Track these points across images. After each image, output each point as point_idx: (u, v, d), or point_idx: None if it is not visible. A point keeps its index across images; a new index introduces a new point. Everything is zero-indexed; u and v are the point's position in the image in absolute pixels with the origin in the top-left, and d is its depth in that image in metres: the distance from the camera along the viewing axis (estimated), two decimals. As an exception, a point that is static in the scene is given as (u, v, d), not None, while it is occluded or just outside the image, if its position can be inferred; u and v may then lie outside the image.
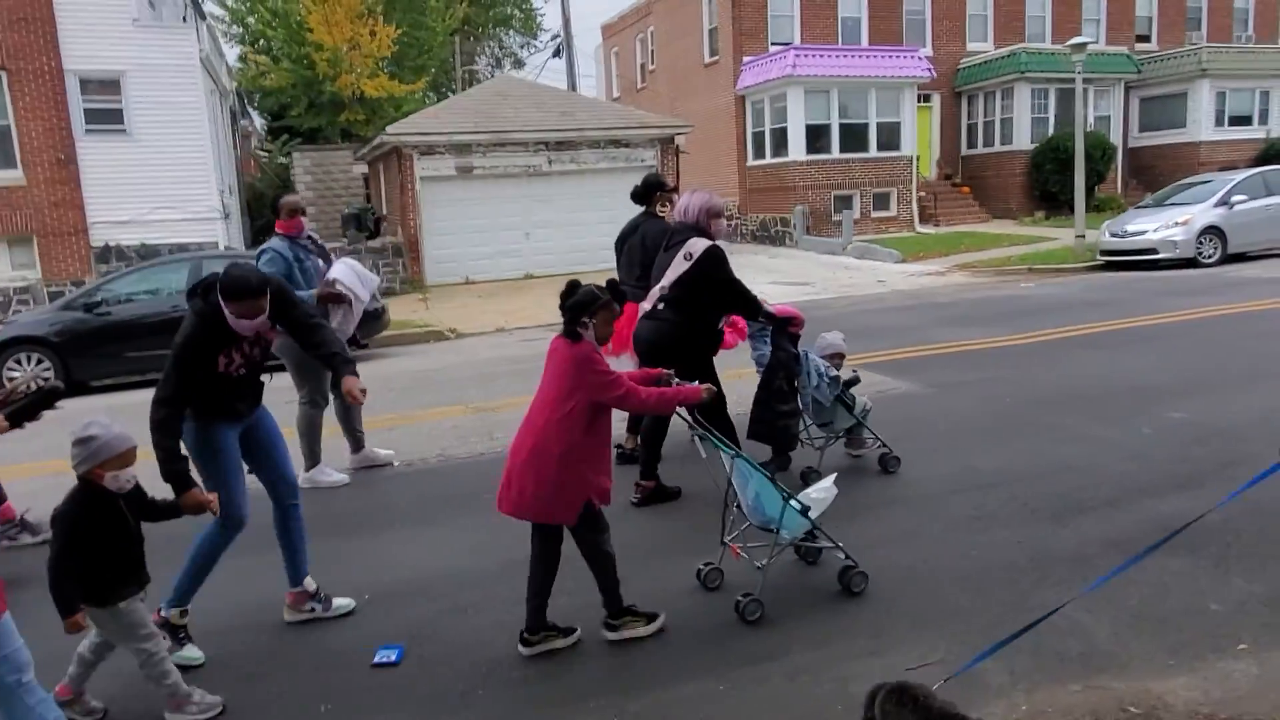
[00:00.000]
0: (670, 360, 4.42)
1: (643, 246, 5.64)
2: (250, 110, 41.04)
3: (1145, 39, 29.09)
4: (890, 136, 23.73)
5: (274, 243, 5.81)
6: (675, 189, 5.44)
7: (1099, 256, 16.52)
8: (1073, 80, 25.20)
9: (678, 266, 4.65)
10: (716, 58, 25.69)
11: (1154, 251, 15.57)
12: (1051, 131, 25.10)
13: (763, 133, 24.11)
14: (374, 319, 10.82)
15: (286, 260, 5.71)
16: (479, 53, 57.13)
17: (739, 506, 3.88)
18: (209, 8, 40.07)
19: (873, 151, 23.54)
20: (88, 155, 15.32)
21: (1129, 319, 10.18)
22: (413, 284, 17.76)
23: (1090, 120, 25.64)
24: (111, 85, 15.34)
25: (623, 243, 6.11)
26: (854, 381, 5.34)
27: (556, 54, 31.66)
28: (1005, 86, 25.26)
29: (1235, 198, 15.62)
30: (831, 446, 5.47)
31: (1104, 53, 25.85)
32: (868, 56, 23.18)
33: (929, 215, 25.19)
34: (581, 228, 18.82)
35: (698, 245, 4.63)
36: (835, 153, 23.17)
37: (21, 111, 14.89)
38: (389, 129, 17.74)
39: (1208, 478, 4.99)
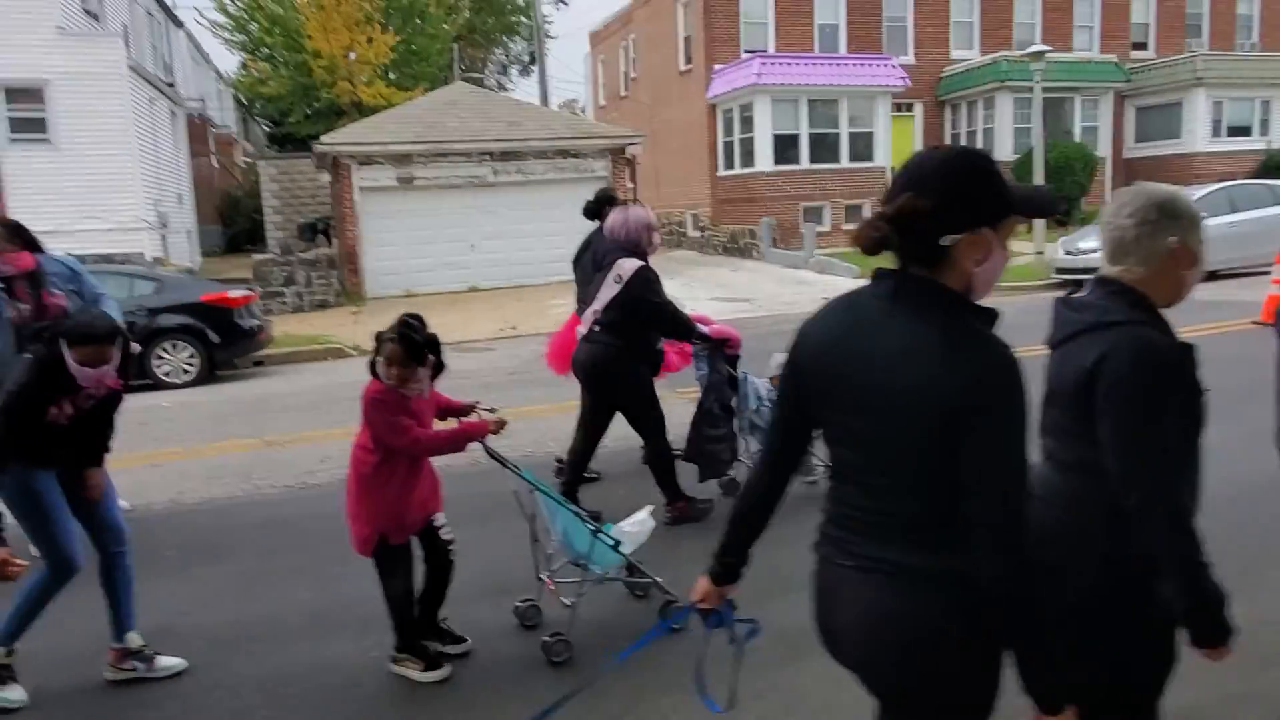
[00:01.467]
0: (607, 383, 4.63)
1: (594, 264, 5.33)
2: (255, 118, 41.28)
3: (1142, 46, 28.15)
4: (864, 147, 23.08)
5: None
6: (628, 202, 5.34)
7: (1054, 274, 15.78)
8: (1059, 89, 24.56)
9: (608, 289, 4.56)
10: (690, 66, 25.21)
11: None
12: (1035, 142, 24.25)
13: (732, 142, 23.57)
14: (246, 337, 10.43)
15: None
16: (485, 60, 57.11)
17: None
18: (213, 15, 40.32)
19: (845, 162, 22.90)
20: (10, 165, 15.18)
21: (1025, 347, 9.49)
22: (350, 296, 17.44)
23: (1077, 130, 24.83)
24: (35, 94, 15.20)
25: (579, 260, 5.85)
26: None
27: (531, 62, 31.25)
28: (987, 96, 24.50)
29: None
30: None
31: (1091, 60, 24.99)
32: (839, 65, 22.57)
33: (906, 228, 24.45)
34: (529, 240, 18.40)
35: (627, 267, 4.52)
36: (805, 163, 22.56)
37: (-60, 120, 14.81)
38: (324, 138, 17.47)
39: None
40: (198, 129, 24.34)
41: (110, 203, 15.31)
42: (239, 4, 39.11)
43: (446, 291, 18.27)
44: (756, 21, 24.14)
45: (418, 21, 42.98)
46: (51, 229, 14.61)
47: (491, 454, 3.64)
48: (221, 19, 38.34)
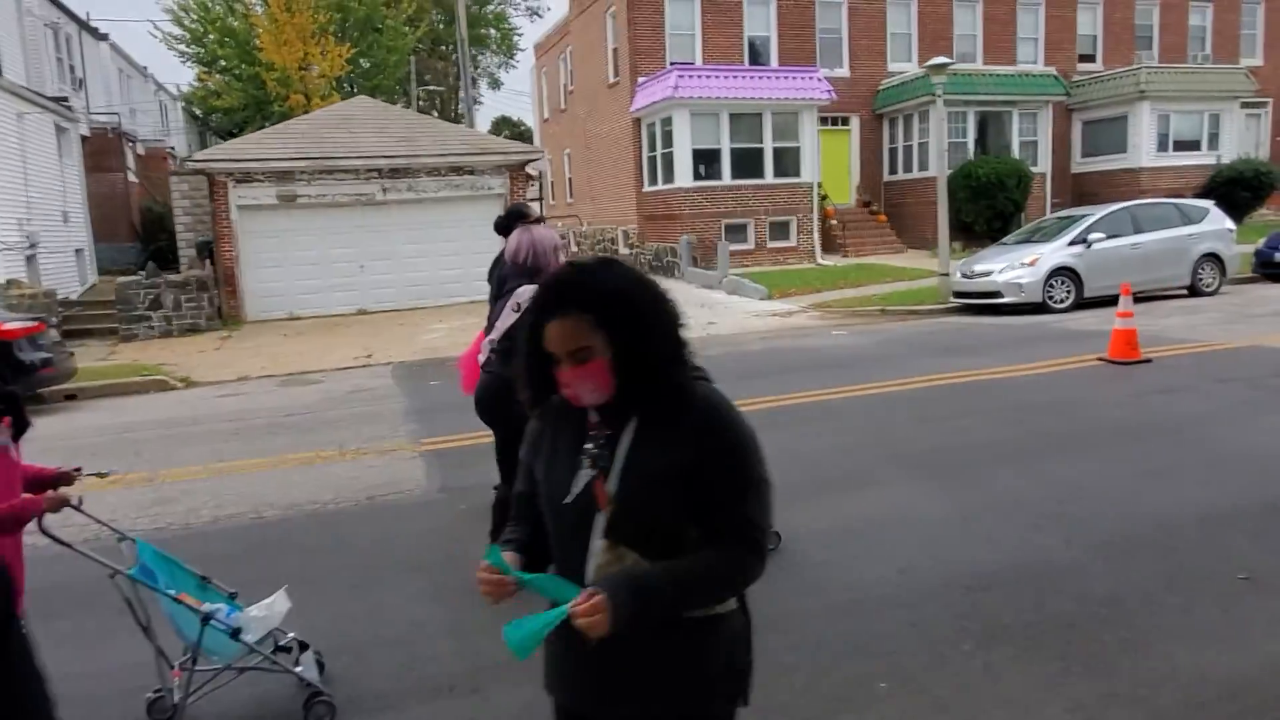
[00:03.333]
0: (501, 417, 4.30)
1: (497, 289, 4.96)
2: (211, 132, 40.66)
3: (1090, 59, 27.44)
4: (790, 162, 22.34)
5: None
6: (540, 219, 4.96)
7: (952, 298, 15.01)
8: (995, 103, 23.83)
9: (506, 318, 4.27)
10: (618, 79, 24.52)
11: (999, 295, 14.04)
12: (971, 156, 23.53)
13: (655, 157, 22.86)
14: (24, 372, 9.67)
15: None
16: (447, 72, 56.58)
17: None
18: (168, 27, 39.85)
19: (769, 178, 22.16)
20: None
21: (876, 383, 8.70)
22: (229, 320, 16.70)
23: (1015, 144, 24.09)
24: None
25: (491, 275, 5.37)
26: None
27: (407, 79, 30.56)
28: (921, 109, 23.75)
29: (1094, 235, 14.03)
30: None
31: (1028, 74, 24.25)
32: (761, 78, 21.85)
33: (838, 245, 23.72)
34: (422, 260, 17.66)
35: (525, 294, 4.05)
36: (727, 179, 21.82)
37: None
38: (197, 155, 16.76)
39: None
40: (108, 143, 23.64)
41: (-39, 223, 14.61)
42: (194, 17, 38.69)
43: (333, 314, 17.54)
44: (683, 33, 23.46)
45: (376, 33, 42.51)
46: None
47: (50, 536, 2.95)
48: (178, 31, 37.99)
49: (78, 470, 3.11)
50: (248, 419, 8.85)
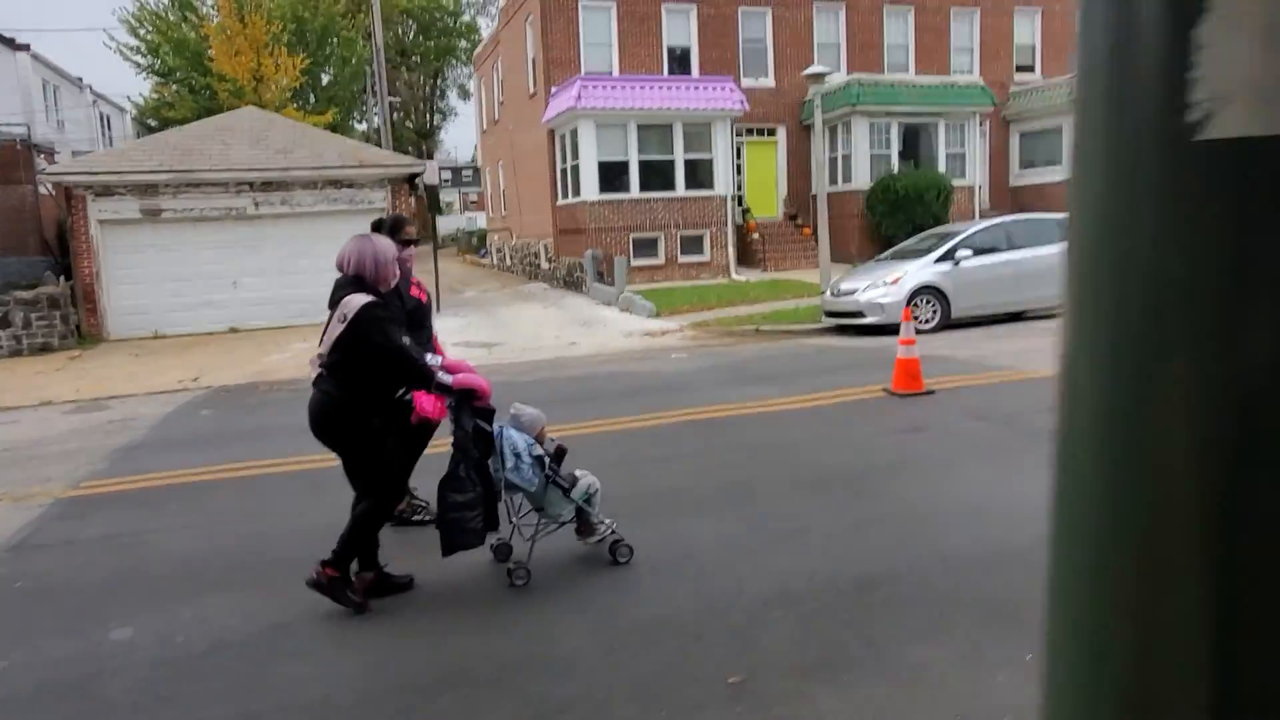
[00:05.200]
0: (335, 437, 4.20)
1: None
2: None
3: (1028, 69, 26.80)
4: (703, 174, 21.72)
5: None
6: (416, 240, 5.05)
7: (824, 317, 14.35)
8: (920, 114, 23.18)
9: (334, 328, 4.12)
10: (535, 90, 23.98)
11: (861, 315, 13.36)
12: (895, 168, 22.89)
13: (567, 170, 22.28)
14: None
15: None
16: (415, 84, 56.27)
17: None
18: (123, 37, 39.58)
19: (680, 190, 21.54)
20: None
21: (650, 414, 8.04)
22: (86, 338, 16.13)
23: (941, 157, 23.43)
24: None
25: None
26: (561, 454, 4.62)
27: (365, 90, 30.17)
28: (844, 120, 23.13)
29: (962, 253, 13.35)
30: (554, 533, 4.64)
31: (954, 84, 23.60)
32: (672, 87, 21.26)
33: (758, 259, 23.09)
34: (299, 276, 17.07)
35: (353, 304, 4.08)
36: (635, 192, 21.20)
37: None
38: (51, 167, 16.24)
39: None
40: (15, 155, 23.17)
41: None
42: (148, 29, 38.42)
43: (204, 332, 16.97)
44: (598, 43, 22.92)
45: (333, 43, 42.18)
46: None
47: None
48: (132, 40, 37.73)
49: None
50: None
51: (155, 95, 40.12)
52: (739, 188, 24.58)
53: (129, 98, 41.69)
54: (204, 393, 11.89)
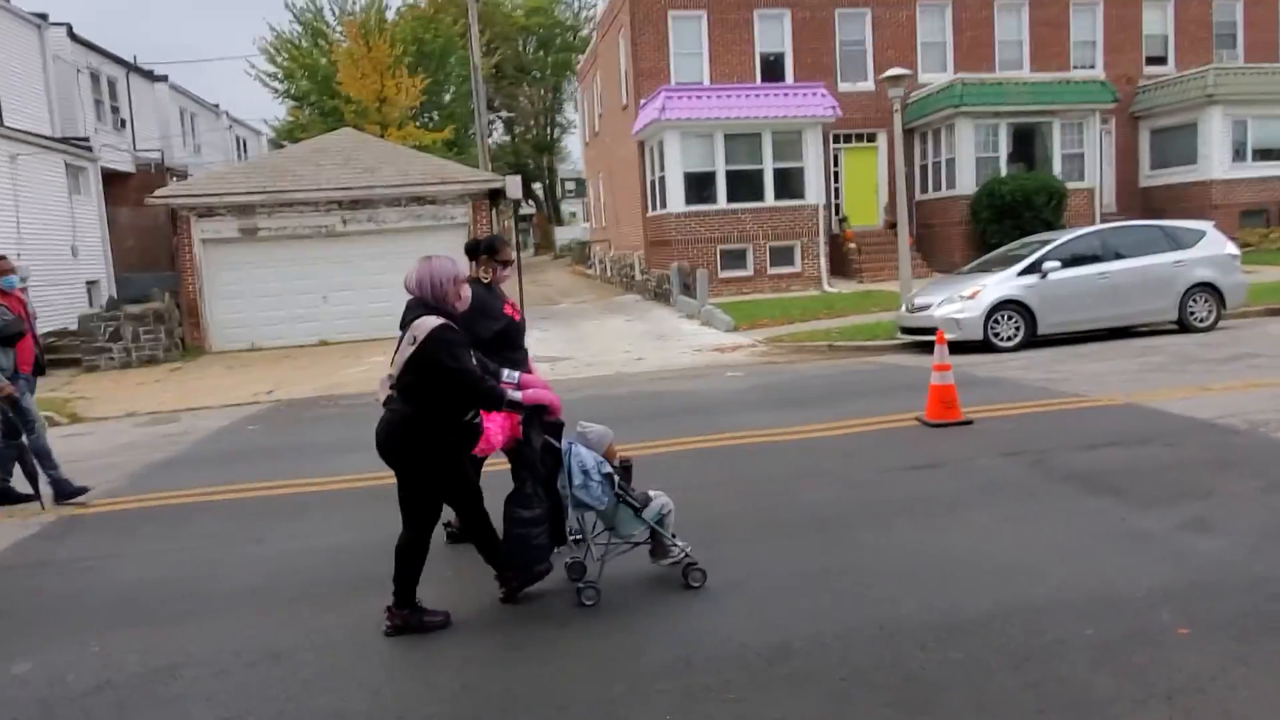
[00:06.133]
0: (403, 458, 4.16)
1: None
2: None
3: (1160, 61, 24.72)
4: (793, 183, 21.07)
5: None
6: (509, 261, 5.10)
7: (899, 334, 13.53)
8: (1031, 114, 21.71)
9: (404, 350, 4.08)
10: (627, 102, 23.93)
11: (935, 331, 12.48)
12: (1004, 172, 21.54)
13: (655, 181, 22.09)
14: None
15: None
16: (537, 97, 57.36)
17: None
18: (260, 63, 42.31)
19: (770, 200, 20.97)
20: None
21: (669, 440, 7.71)
22: (190, 350, 17.10)
23: (1056, 158, 21.88)
24: None
25: None
26: (627, 471, 4.53)
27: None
28: (947, 123, 21.96)
29: (1049, 264, 12.27)
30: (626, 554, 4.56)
31: (1070, 80, 22.00)
32: (760, 95, 20.73)
33: (854, 270, 22.21)
34: (384, 291, 17.45)
35: (423, 326, 4.04)
36: (722, 203, 20.77)
37: None
38: (158, 191, 17.27)
39: None
40: (151, 178, 24.95)
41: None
42: (284, 56, 40.93)
43: (296, 345, 17.69)
44: (689, 52, 22.63)
45: (452, 62, 43.66)
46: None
47: None
48: (269, 68, 40.30)
49: None
50: None
51: (290, 118, 42.64)
52: (836, 196, 23.76)
53: (265, 121, 44.56)
54: (266, 407, 12.29)
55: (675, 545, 4.53)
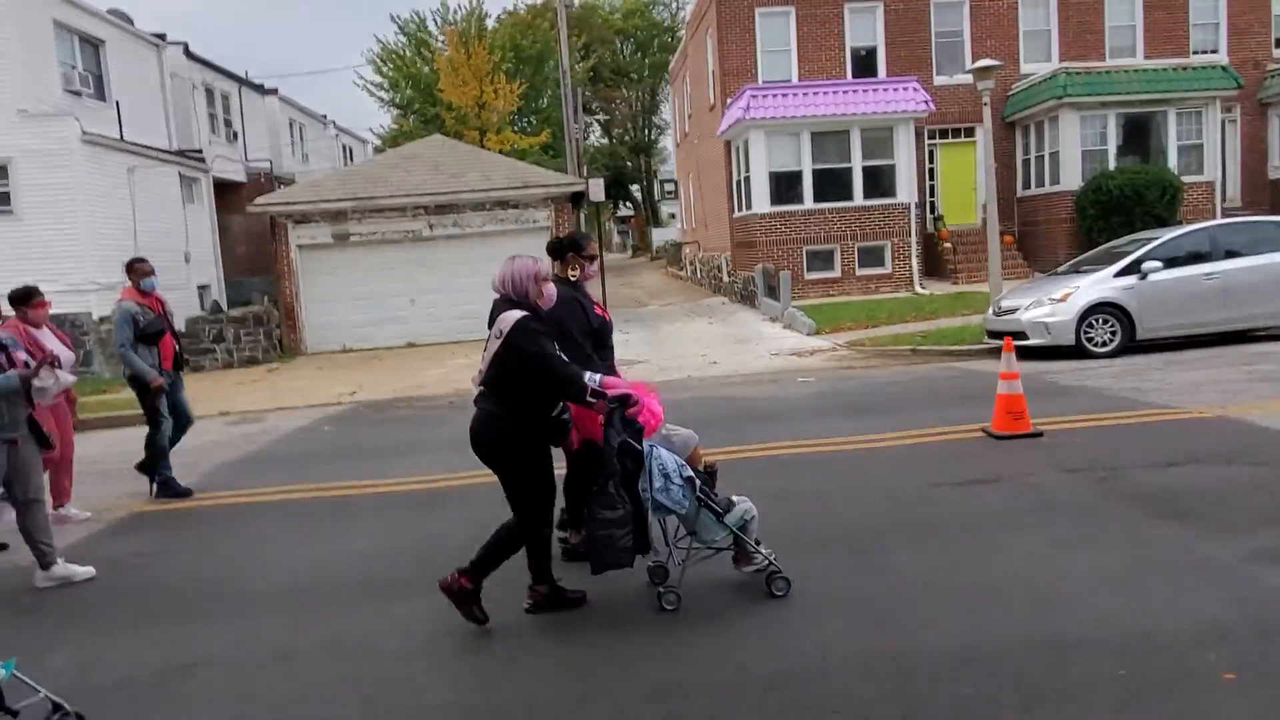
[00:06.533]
0: (493, 452, 4.29)
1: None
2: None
3: (1296, 41, 22.88)
4: (884, 182, 20.45)
5: None
6: (593, 256, 5.14)
7: (986, 338, 12.92)
8: (1144, 103, 20.42)
9: (490, 345, 4.24)
10: (714, 101, 23.72)
11: (1024, 336, 11.86)
12: (1113, 166, 20.35)
13: (739, 182, 21.82)
14: None
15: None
16: (619, 99, 57.54)
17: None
18: (366, 72, 43.81)
19: (858, 200, 20.40)
20: (-20, 235, 17.09)
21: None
22: (287, 352, 17.85)
23: (1172, 150, 20.53)
24: (0, 171, 16.99)
25: None
26: (712, 476, 4.52)
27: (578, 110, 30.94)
28: (1050, 115, 20.90)
29: (1149, 265, 11.48)
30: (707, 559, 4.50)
31: (1188, 66, 20.59)
32: (848, 92, 20.19)
33: (950, 271, 21.39)
34: (469, 294, 17.84)
35: (507, 319, 4.17)
36: (808, 202, 20.34)
37: (-74, 198, 16.95)
38: (259, 199, 18.05)
39: None
40: (261, 186, 26.21)
41: (62, 267, 16.69)
42: (390, 66, 42.44)
43: (384, 347, 18.24)
44: (776, 49, 22.24)
45: (549, 67, 44.39)
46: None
47: None
48: (375, 78, 41.86)
49: None
50: (96, 462, 9.27)
51: (395, 126, 44.13)
52: (931, 194, 22.94)
53: (370, 130, 46.24)
54: (346, 408, 12.67)
55: (759, 553, 4.46)
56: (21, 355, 5.42)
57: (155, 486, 7.41)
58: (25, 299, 6.59)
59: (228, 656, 4.22)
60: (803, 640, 3.91)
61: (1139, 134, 20.71)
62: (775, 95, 20.07)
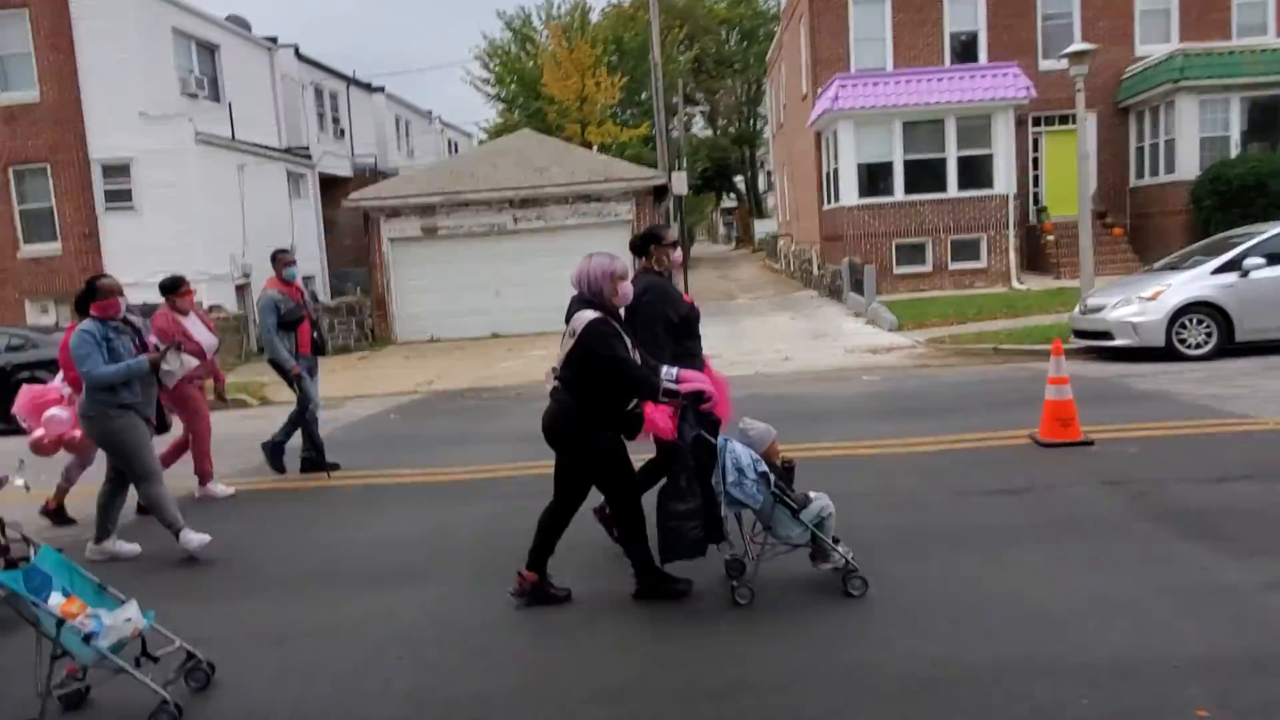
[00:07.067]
0: (562, 445, 4.43)
1: (629, 307, 4.86)
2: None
3: None
4: (980, 172, 19.66)
5: (84, 324, 5.65)
6: (675, 243, 5.23)
7: (1073, 338, 12.28)
8: (1270, 86, 18.87)
9: (566, 343, 4.40)
10: (806, 92, 23.28)
11: (1109, 336, 11.21)
12: (1235, 153, 18.95)
13: (829, 174, 21.36)
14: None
15: (94, 340, 5.60)
16: (721, 90, 56.92)
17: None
18: (475, 68, 44.88)
19: (953, 191, 19.68)
20: (106, 229, 18.39)
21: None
22: (378, 341, 18.57)
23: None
24: (123, 170, 18.25)
25: None
26: (790, 472, 4.55)
27: (679, 101, 30.71)
28: (1167, 100, 19.62)
29: (1251, 261, 10.65)
30: (782, 556, 4.51)
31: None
32: (942, 79, 19.47)
33: (1052, 265, 20.39)
34: (553, 286, 17.90)
35: (580, 320, 4.30)
36: (899, 194, 19.74)
37: (59, 195, 18.36)
38: (353, 194, 18.77)
39: None
40: (366, 180, 27.28)
41: (178, 259, 17.78)
42: (496, 62, 43.46)
43: (469, 338, 18.73)
44: (870, 38, 21.64)
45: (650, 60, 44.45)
46: (134, 281, 17.39)
47: None
48: (484, 74, 42.96)
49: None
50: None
51: (500, 120, 45.14)
52: (1035, 184, 21.90)
53: (476, 124, 47.36)
54: (419, 397, 13.09)
55: (835, 551, 4.40)
56: (152, 339, 5.82)
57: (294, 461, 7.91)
58: (174, 288, 6.97)
59: (224, 635, 4.40)
60: (766, 649, 3.84)
61: (1267, 119, 19.20)
62: (865, 84, 19.55)
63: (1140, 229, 20.98)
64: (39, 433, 6.31)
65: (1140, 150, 21.16)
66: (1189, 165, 19.24)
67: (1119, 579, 4.28)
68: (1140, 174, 21.18)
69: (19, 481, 5.01)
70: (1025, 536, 4.95)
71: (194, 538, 5.69)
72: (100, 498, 5.87)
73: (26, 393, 6.56)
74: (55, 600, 3.59)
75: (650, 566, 4.48)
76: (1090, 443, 6.64)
